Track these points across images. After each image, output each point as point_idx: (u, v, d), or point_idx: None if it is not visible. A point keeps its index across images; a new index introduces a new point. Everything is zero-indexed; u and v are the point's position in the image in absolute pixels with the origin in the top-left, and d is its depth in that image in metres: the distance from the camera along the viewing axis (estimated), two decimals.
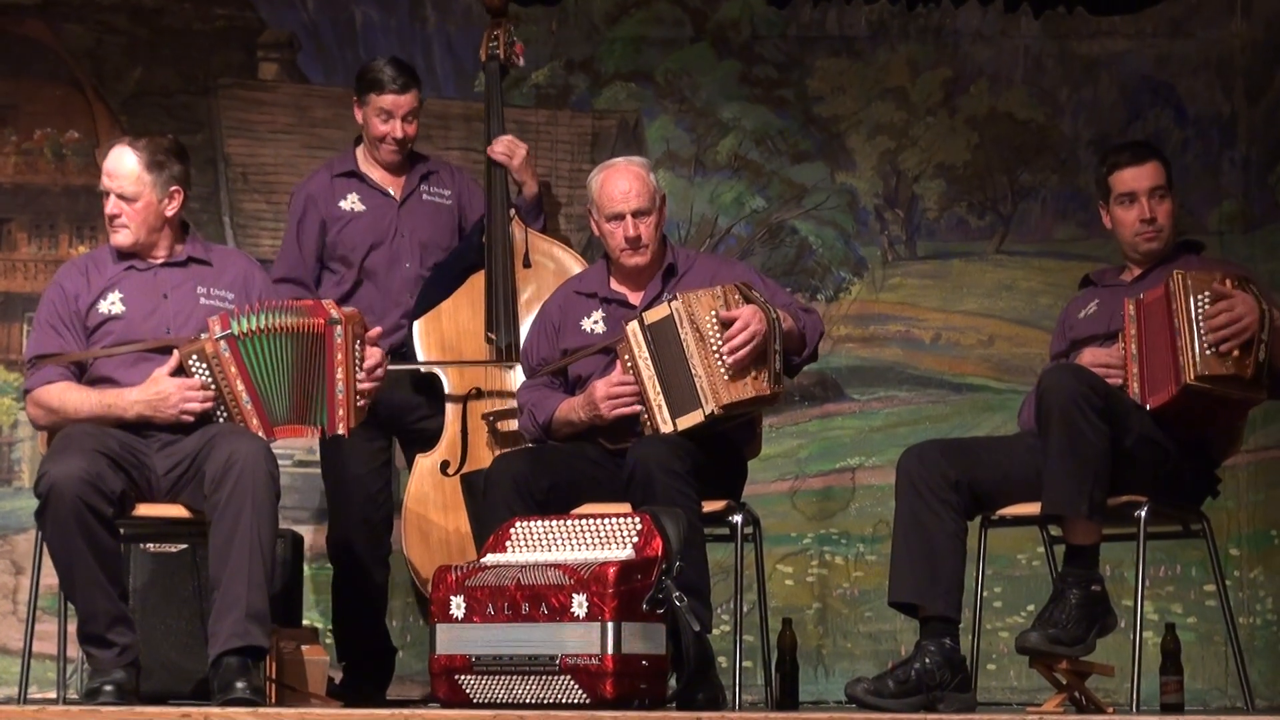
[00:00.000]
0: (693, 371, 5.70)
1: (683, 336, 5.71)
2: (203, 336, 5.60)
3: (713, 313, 5.72)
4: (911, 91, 7.56)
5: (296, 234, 6.63)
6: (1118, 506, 5.45)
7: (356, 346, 5.63)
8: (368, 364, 5.65)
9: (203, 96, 7.48)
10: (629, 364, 5.77)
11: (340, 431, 5.67)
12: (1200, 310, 5.37)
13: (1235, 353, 5.38)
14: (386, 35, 7.47)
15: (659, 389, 5.74)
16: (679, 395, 5.72)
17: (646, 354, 5.75)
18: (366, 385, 5.65)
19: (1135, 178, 5.74)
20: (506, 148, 6.71)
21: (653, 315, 5.78)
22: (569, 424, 5.88)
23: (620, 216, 5.92)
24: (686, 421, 5.71)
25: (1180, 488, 5.60)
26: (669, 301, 5.76)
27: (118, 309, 5.70)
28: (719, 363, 5.69)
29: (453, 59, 7.51)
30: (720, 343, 5.68)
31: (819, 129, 7.56)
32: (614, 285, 6.04)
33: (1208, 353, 5.36)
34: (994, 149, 7.53)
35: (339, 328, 5.61)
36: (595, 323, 6.01)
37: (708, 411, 5.69)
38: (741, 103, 7.56)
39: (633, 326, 5.79)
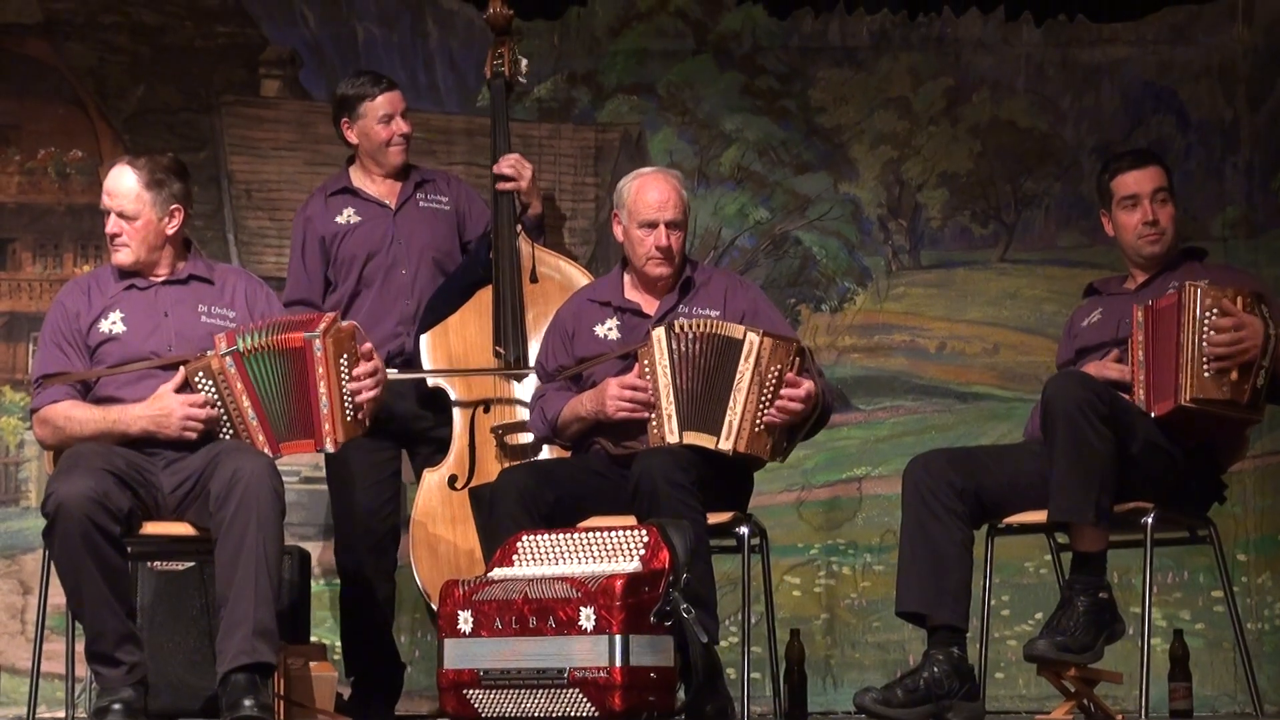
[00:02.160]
0: (731, 402, 5.69)
1: (742, 368, 5.69)
2: (208, 353, 5.60)
3: (778, 367, 5.70)
4: (914, 101, 7.57)
5: (301, 257, 6.66)
6: (1124, 513, 5.45)
7: (343, 360, 5.59)
8: (357, 371, 5.61)
9: (205, 114, 7.48)
10: (647, 368, 5.76)
11: (328, 447, 5.63)
12: (1206, 328, 5.36)
13: (1234, 376, 5.37)
14: (388, 51, 7.48)
15: (672, 399, 5.72)
16: (700, 413, 5.70)
17: (667, 362, 5.74)
18: (362, 395, 5.61)
19: (1138, 181, 5.75)
20: (514, 167, 6.70)
21: (720, 328, 5.74)
22: (578, 419, 5.87)
23: (653, 225, 5.93)
24: (694, 439, 5.70)
25: (1187, 494, 5.60)
26: (747, 330, 5.72)
27: (118, 328, 5.69)
28: (761, 412, 5.68)
29: (455, 74, 7.51)
30: (771, 397, 5.68)
31: (822, 139, 7.56)
32: (628, 294, 6.03)
33: (1205, 375, 5.36)
34: (997, 157, 7.54)
35: (317, 341, 5.57)
36: (609, 330, 6.00)
37: (724, 447, 5.68)
38: (744, 114, 7.56)
39: (658, 332, 5.77)
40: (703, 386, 5.72)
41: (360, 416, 5.61)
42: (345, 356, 5.58)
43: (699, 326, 5.76)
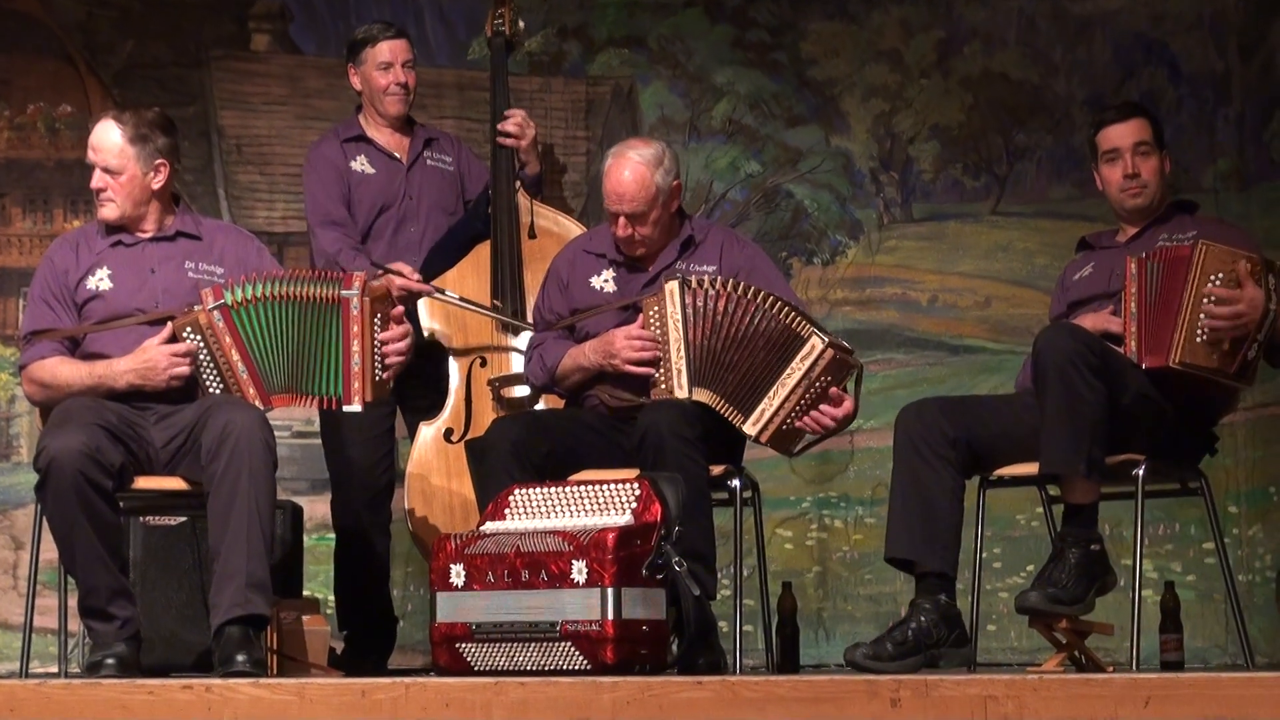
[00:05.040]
0: (772, 392, 5.66)
1: (794, 366, 5.66)
2: (195, 308, 5.59)
3: (828, 378, 5.67)
4: (905, 53, 7.55)
5: (322, 185, 6.58)
6: (1116, 465, 5.45)
7: (377, 320, 5.59)
8: (390, 334, 5.62)
9: (195, 69, 7.47)
10: (655, 319, 5.72)
11: (355, 405, 5.61)
12: (1209, 293, 5.36)
13: (1225, 347, 5.38)
14: (378, 4, 7.46)
15: (682, 353, 5.69)
16: (735, 391, 5.67)
17: (680, 316, 5.69)
18: (392, 358, 5.60)
19: (1119, 134, 5.75)
20: (517, 127, 6.68)
21: (783, 313, 5.68)
22: (579, 369, 5.85)
23: (614, 215, 5.88)
24: (704, 396, 5.68)
25: (1178, 446, 5.60)
26: (815, 333, 5.65)
27: (105, 285, 5.68)
28: (796, 414, 5.67)
29: (445, 27, 7.49)
30: (810, 403, 5.67)
31: (813, 92, 7.55)
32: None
33: (1198, 340, 5.37)
34: (988, 110, 7.52)
35: (355, 299, 5.56)
36: (605, 281, 5.97)
37: (750, 432, 5.68)
38: (735, 67, 7.54)
39: (671, 285, 5.72)
40: (724, 347, 5.68)
41: (387, 377, 5.61)
42: (379, 317, 5.58)
43: (732, 288, 5.71)
